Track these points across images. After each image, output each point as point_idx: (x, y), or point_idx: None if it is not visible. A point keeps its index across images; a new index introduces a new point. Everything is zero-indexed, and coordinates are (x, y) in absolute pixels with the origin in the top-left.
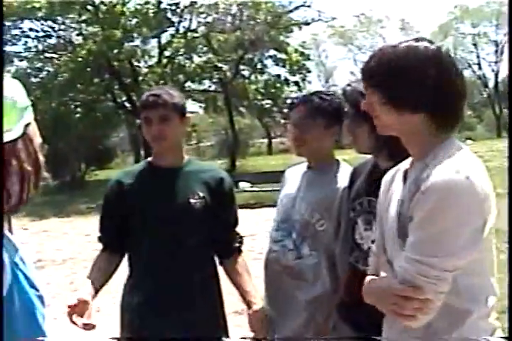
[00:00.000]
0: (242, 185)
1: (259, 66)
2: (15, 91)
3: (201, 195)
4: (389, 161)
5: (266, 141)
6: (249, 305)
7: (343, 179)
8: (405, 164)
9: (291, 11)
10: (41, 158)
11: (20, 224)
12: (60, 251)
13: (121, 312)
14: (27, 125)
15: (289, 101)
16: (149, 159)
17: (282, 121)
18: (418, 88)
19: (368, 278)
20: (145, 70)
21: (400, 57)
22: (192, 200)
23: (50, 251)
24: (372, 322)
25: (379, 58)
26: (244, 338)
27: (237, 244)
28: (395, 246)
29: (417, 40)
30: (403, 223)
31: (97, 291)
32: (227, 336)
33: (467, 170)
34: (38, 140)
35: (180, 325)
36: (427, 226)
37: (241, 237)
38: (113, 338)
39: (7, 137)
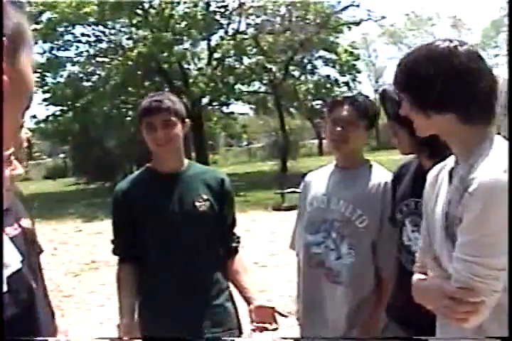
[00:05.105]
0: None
1: (309, 67)
2: None
3: (205, 197)
4: (432, 161)
5: (316, 141)
6: (248, 301)
7: (377, 177)
8: (451, 162)
9: (340, 11)
10: None
11: (74, 225)
12: None
13: (139, 317)
14: None
15: (329, 100)
16: (149, 165)
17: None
18: (434, 89)
19: (416, 277)
20: (195, 72)
21: (415, 61)
22: (197, 203)
23: (104, 253)
24: (424, 322)
25: (400, 63)
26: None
27: (235, 244)
28: (442, 245)
29: (439, 40)
30: (451, 223)
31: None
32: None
33: None
34: None
35: (193, 326)
36: (477, 227)
37: (238, 237)
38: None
39: None
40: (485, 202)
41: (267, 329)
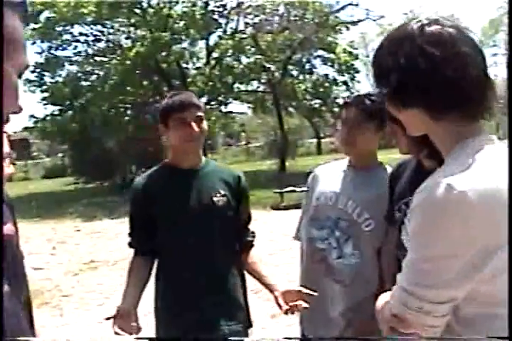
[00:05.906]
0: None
1: (307, 66)
2: None
3: (222, 192)
4: (431, 160)
5: (315, 141)
6: (271, 288)
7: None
8: None
9: (338, 11)
10: None
11: (73, 225)
12: (113, 252)
13: (155, 313)
14: None
15: (341, 100)
16: (167, 161)
17: (332, 120)
18: (392, 80)
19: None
20: (193, 72)
21: (379, 48)
22: (215, 198)
23: (103, 252)
24: None
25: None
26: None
27: (251, 238)
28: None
29: (412, 21)
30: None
31: (138, 298)
32: (246, 335)
33: (468, 184)
34: None
35: (210, 320)
36: (413, 250)
37: (253, 232)
38: None
39: None
40: (421, 224)
41: (297, 309)
